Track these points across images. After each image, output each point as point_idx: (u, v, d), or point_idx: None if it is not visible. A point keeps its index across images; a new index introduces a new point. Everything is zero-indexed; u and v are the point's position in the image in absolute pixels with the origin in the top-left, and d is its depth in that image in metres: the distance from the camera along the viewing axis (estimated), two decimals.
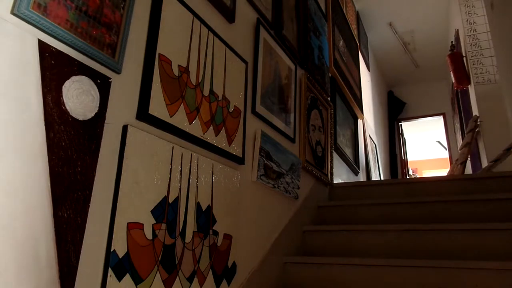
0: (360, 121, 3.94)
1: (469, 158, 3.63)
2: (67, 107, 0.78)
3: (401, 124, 6.34)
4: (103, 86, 0.87)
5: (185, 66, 1.16)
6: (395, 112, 6.22)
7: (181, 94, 1.13)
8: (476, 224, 1.71)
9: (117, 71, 0.92)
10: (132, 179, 0.91)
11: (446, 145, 6.24)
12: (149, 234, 0.94)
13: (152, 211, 0.96)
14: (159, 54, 1.06)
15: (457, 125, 4.62)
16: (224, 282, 1.24)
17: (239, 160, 1.41)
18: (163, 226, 0.99)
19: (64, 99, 0.78)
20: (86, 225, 0.79)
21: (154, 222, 0.97)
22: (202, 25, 1.28)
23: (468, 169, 3.94)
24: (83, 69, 0.83)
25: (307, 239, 1.99)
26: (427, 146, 8.45)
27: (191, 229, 1.10)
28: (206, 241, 1.16)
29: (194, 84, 1.20)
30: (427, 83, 6.05)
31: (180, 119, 1.11)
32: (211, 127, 1.26)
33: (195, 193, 1.14)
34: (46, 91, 0.74)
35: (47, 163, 0.73)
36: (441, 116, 6.09)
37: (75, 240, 0.76)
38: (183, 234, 1.07)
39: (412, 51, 5.35)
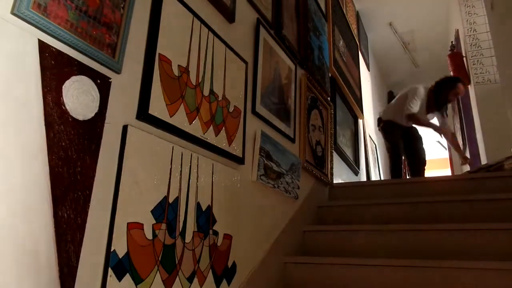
0: (360, 121, 3.94)
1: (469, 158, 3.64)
2: (67, 107, 0.78)
3: None
4: (103, 86, 0.87)
5: (185, 66, 1.16)
6: None
7: (181, 94, 1.13)
8: (476, 224, 1.71)
9: (117, 71, 0.92)
10: (132, 179, 0.91)
11: (446, 145, 6.24)
12: (149, 234, 0.94)
13: (152, 211, 0.96)
14: (159, 54, 1.06)
15: (457, 125, 4.62)
16: (224, 282, 1.24)
17: (239, 160, 1.41)
18: (163, 226, 0.99)
19: (64, 99, 0.78)
20: (86, 225, 0.79)
21: (154, 222, 0.97)
22: (202, 25, 1.28)
23: (468, 169, 3.93)
24: (83, 69, 0.83)
25: (307, 239, 1.99)
26: (427, 146, 8.44)
27: (191, 229, 1.10)
28: (206, 241, 1.16)
29: (194, 84, 1.20)
30: (427, 83, 6.05)
31: (180, 119, 1.11)
32: (211, 127, 1.26)
33: (195, 193, 1.14)
34: (46, 91, 0.74)
35: (47, 163, 0.73)
36: None
37: (75, 240, 0.76)
38: (183, 234, 1.07)
39: (412, 51, 5.35)
